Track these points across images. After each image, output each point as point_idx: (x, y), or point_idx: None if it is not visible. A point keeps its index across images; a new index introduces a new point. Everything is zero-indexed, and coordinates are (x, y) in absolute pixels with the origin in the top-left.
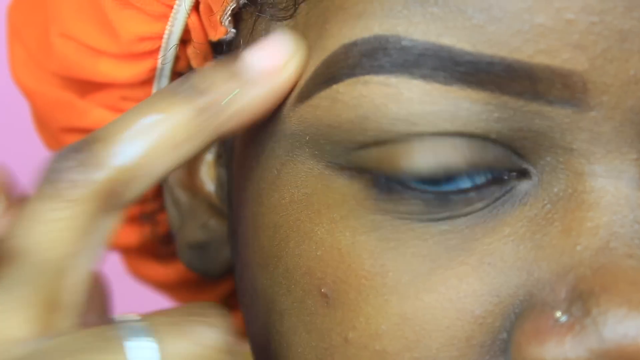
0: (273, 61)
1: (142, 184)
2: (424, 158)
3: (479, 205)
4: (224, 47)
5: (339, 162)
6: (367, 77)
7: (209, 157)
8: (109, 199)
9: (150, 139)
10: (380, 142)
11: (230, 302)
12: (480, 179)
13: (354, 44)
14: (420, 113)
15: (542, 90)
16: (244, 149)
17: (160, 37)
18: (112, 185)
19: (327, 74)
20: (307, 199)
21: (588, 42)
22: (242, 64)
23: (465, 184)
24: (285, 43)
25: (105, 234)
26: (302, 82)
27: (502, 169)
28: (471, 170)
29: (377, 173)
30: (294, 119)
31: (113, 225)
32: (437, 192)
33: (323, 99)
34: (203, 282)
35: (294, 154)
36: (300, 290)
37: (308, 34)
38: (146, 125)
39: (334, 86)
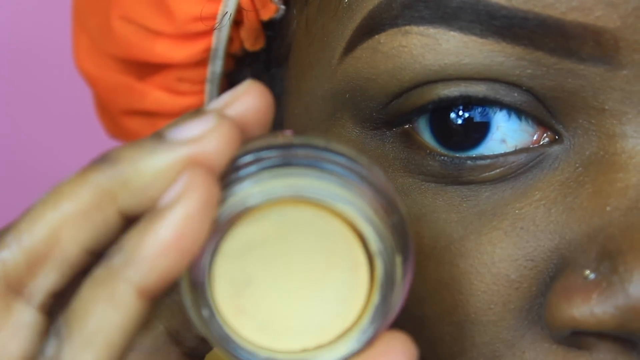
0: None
1: (54, 267)
2: (449, 88)
3: (506, 172)
4: (275, 27)
5: (372, 120)
6: (408, 27)
7: None
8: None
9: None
10: (412, 88)
11: None
12: (506, 146)
13: None
14: (455, 64)
15: (575, 47)
16: (294, 120)
17: (214, 18)
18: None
19: (371, 24)
20: None
21: (620, 0)
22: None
23: (489, 150)
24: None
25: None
26: (347, 34)
27: (530, 114)
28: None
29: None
30: (339, 74)
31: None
32: (458, 157)
33: (365, 50)
34: None
35: (336, 117)
36: None
37: None
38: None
39: (376, 36)
